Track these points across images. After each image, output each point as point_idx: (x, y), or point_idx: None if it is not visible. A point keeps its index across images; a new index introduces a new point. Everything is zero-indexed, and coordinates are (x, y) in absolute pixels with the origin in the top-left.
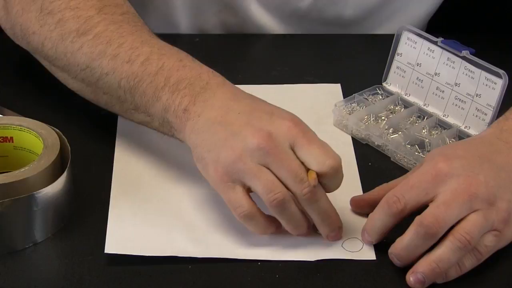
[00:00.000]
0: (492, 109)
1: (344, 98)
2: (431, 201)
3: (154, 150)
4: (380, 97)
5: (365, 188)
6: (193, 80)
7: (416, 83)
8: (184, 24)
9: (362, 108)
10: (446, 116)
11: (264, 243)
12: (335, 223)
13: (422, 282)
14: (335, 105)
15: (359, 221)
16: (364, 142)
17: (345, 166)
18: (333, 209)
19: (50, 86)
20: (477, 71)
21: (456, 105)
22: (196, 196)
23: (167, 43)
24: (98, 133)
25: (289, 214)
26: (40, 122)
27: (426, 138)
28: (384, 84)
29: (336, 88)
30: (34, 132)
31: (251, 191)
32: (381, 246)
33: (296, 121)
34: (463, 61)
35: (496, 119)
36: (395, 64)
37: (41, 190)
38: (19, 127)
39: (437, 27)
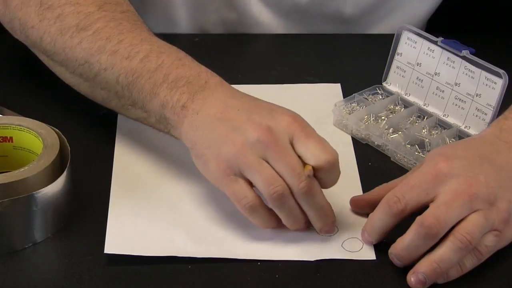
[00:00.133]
0: (492, 109)
1: (344, 98)
2: (432, 201)
3: (154, 150)
4: (380, 97)
5: (365, 188)
6: (192, 78)
7: (416, 83)
8: (183, 21)
9: (362, 108)
10: (446, 116)
11: (264, 243)
12: (329, 218)
13: (423, 283)
14: (335, 105)
15: (359, 221)
16: (364, 142)
17: (345, 166)
18: (328, 204)
19: (50, 86)
20: (477, 71)
21: (456, 105)
22: (196, 196)
23: (167, 42)
24: (98, 133)
25: (288, 208)
26: (39, 122)
27: (426, 138)
28: (384, 84)
29: (336, 88)
30: (33, 132)
31: (253, 186)
32: (381, 246)
33: (296, 117)
34: (463, 61)
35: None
36: (395, 64)
37: (40, 190)
38: (19, 127)
39: (437, 26)
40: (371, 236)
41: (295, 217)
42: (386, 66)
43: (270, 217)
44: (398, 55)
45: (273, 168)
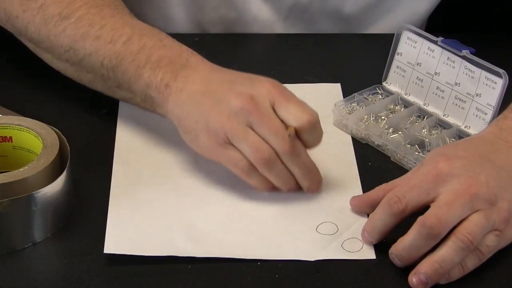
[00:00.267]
0: (492, 108)
1: (344, 97)
2: (432, 201)
3: (154, 150)
4: (380, 97)
5: (365, 188)
6: (174, 58)
7: (416, 83)
8: (181, 19)
9: (362, 107)
10: (446, 116)
11: (264, 243)
12: (315, 177)
13: (425, 283)
14: (335, 105)
15: (359, 221)
16: (364, 142)
17: (345, 166)
18: (313, 164)
19: (50, 86)
20: (477, 70)
21: (456, 104)
22: (196, 196)
23: None
24: (98, 133)
25: (277, 171)
26: (39, 122)
27: (426, 138)
28: (384, 83)
29: (336, 87)
30: (33, 132)
31: None
32: (381, 246)
33: (275, 84)
34: (463, 61)
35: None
36: (395, 63)
37: (40, 190)
38: (18, 126)
39: (437, 26)
40: (372, 236)
41: (285, 179)
42: (386, 66)
43: (267, 179)
44: (398, 54)
45: (258, 134)
